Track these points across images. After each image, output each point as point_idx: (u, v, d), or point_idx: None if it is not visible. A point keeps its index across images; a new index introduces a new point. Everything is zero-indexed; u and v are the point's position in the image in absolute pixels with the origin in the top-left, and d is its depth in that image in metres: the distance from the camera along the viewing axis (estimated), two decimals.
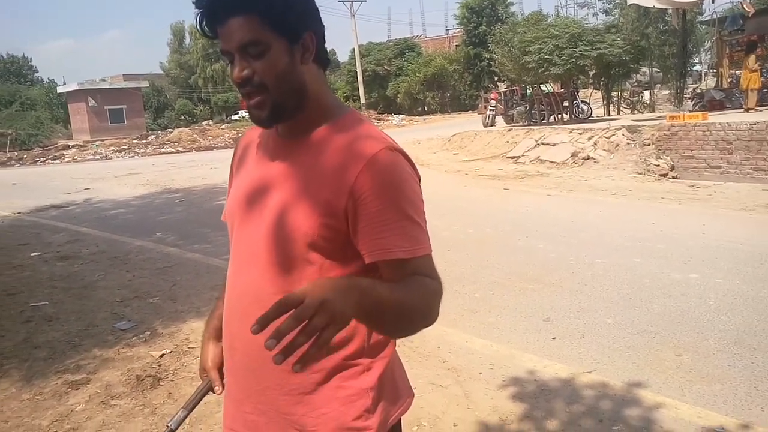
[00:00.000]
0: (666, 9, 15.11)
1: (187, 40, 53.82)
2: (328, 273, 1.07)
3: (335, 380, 1.11)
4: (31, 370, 3.53)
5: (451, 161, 14.59)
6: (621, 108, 19.85)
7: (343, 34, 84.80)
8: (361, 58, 41.71)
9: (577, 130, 13.35)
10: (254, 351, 1.12)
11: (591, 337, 3.91)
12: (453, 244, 6.38)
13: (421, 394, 3.05)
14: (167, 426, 1.27)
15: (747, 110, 12.03)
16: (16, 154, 27.82)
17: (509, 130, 15.63)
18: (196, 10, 1.07)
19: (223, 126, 38.30)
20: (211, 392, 1.31)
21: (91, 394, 3.22)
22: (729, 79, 15.66)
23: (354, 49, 42.27)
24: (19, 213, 10.10)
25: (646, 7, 15.29)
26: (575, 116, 16.71)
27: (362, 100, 40.01)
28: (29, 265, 6.12)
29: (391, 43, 48.37)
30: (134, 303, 4.75)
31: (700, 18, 19.60)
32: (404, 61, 44.44)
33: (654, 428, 2.76)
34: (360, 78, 40.77)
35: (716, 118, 11.20)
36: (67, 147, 30.57)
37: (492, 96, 21.08)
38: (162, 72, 55.00)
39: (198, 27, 1.10)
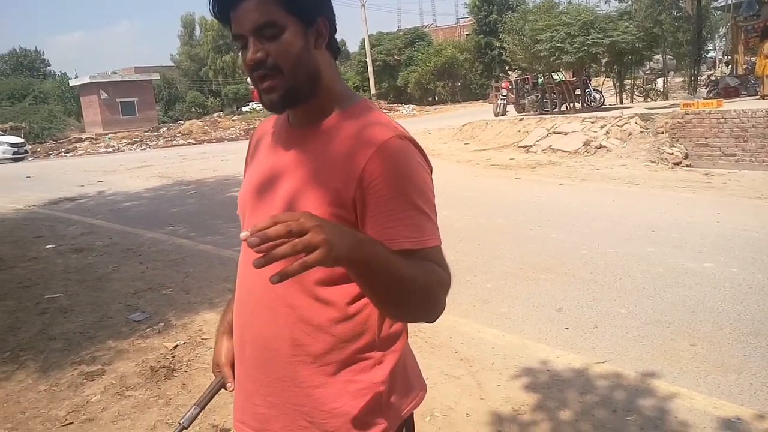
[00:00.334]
0: None
1: (198, 32, 53.91)
2: None
3: (346, 374, 1.09)
4: (48, 362, 3.57)
5: (462, 151, 14.53)
6: (634, 96, 19.65)
7: (353, 25, 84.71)
8: (371, 48, 41.55)
9: (590, 118, 13.23)
10: (264, 343, 1.12)
11: (604, 327, 3.89)
12: (465, 234, 6.36)
13: (433, 385, 3.06)
14: (180, 423, 1.27)
15: (762, 97, 11.88)
16: (30, 147, 28.05)
17: (521, 120, 15.52)
18: None
19: (234, 118, 38.38)
20: (223, 389, 1.31)
21: (107, 385, 3.25)
22: (744, 66, 15.45)
23: (364, 39, 42.11)
24: (34, 206, 10.19)
25: None
26: (587, 105, 16.56)
27: (372, 90, 39.91)
28: (44, 258, 6.17)
29: (401, 33, 48.17)
30: (147, 294, 4.79)
31: (714, 3, 19.27)
32: (414, 50, 44.25)
33: (668, 419, 2.74)
34: (370, 68, 40.64)
35: (731, 105, 11.06)
36: (80, 140, 30.81)
37: (503, 85, 20.97)
38: (173, 64, 55.17)
39: (210, 10, 1.09)
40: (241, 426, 1.20)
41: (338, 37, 1.16)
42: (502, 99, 19.64)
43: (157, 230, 7.46)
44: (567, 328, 3.91)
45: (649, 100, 19.40)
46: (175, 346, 3.72)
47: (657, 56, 20.54)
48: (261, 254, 0.81)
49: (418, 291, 0.98)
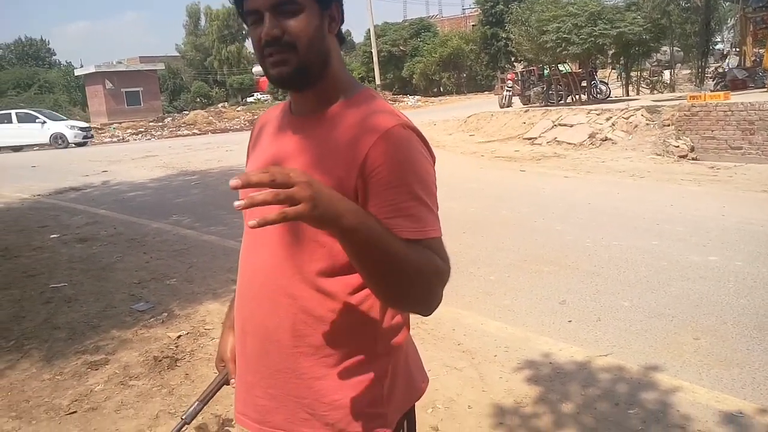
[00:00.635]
0: None
1: (203, 22, 53.80)
2: (338, 255, 1.03)
3: (347, 366, 1.09)
4: (52, 351, 3.59)
5: (467, 143, 14.49)
6: (640, 88, 19.52)
7: (359, 15, 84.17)
8: (376, 39, 41.36)
9: (595, 110, 13.16)
10: (265, 334, 1.12)
11: (607, 320, 3.88)
12: (469, 226, 6.35)
13: (435, 377, 3.06)
14: (182, 419, 1.27)
15: None
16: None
17: (526, 111, 15.46)
18: None
19: (239, 108, 38.36)
20: (226, 384, 1.31)
21: (110, 375, 3.26)
22: (752, 58, 15.31)
23: (369, 30, 41.91)
24: (39, 195, 10.21)
25: None
26: (593, 97, 16.46)
27: (377, 81, 39.77)
28: (49, 247, 6.19)
29: (406, 23, 47.96)
30: (151, 285, 4.80)
31: None
32: (420, 41, 44.05)
33: (671, 412, 2.74)
34: (375, 59, 40.46)
35: (738, 97, 10.97)
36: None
37: (509, 76, 20.84)
38: (178, 54, 55.10)
39: None
40: (242, 418, 1.20)
41: (344, 27, 1.16)
42: (507, 90, 19.54)
43: (162, 220, 7.47)
44: (570, 321, 3.91)
45: (655, 92, 19.28)
46: (179, 336, 3.73)
47: (664, 48, 20.39)
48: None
49: (412, 274, 0.96)
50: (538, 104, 17.25)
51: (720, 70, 16.96)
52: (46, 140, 22.84)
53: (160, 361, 3.39)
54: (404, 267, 0.95)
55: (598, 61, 18.49)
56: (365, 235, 0.91)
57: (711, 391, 2.93)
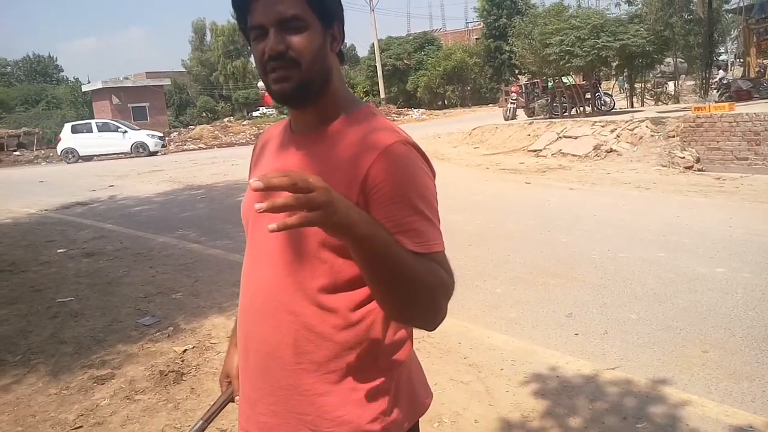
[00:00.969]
0: None
1: (209, 38, 54.18)
2: (340, 272, 1.04)
3: (350, 382, 1.09)
4: (58, 365, 3.59)
5: (471, 155, 14.50)
6: (644, 100, 19.54)
7: (363, 29, 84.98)
8: (380, 53, 41.62)
9: (600, 122, 13.17)
10: (267, 351, 1.12)
11: (614, 333, 3.86)
12: (474, 239, 6.34)
13: (442, 390, 3.05)
14: None
15: None
16: (42, 152, 28.32)
17: (530, 123, 15.49)
18: None
19: (244, 122, 38.50)
20: (231, 402, 1.30)
21: (116, 389, 3.26)
22: (756, 69, 15.33)
23: (374, 44, 42.21)
24: (46, 210, 10.28)
25: None
26: (597, 108, 16.50)
27: (382, 94, 39.97)
28: (55, 262, 6.22)
29: (410, 37, 48.18)
30: (157, 299, 4.81)
31: (726, 6, 19.14)
32: (424, 54, 44.23)
33: (680, 426, 2.72)
34: (380, 72, 40.70)
35: (743, 108, 10.97)
36: None
37: (513, 89, 20.92)
38: (184, 69, 55.52)
39: None
40: None
41: (348, 41, 1.18)
42: (511, 103, 19.60)
43: (168, 235, 7.50)
44: (577, 334, 3.89)
45: (660, 103, 19.29)
46: (185, 351, 3.73)
47: (668, 59, 20.43)
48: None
49: (419, 285, 0.98)
50: (542, 116, 17.29)
51: (724, 81, 16.96)
52: (127, 149, 23.70)
53: (165, 375, 3.38)
54: (412, 277, 0.97)
55: (601, 74, 18.53)
56: (377, 243, 0.93)
57: (720, 404, 2.91)
